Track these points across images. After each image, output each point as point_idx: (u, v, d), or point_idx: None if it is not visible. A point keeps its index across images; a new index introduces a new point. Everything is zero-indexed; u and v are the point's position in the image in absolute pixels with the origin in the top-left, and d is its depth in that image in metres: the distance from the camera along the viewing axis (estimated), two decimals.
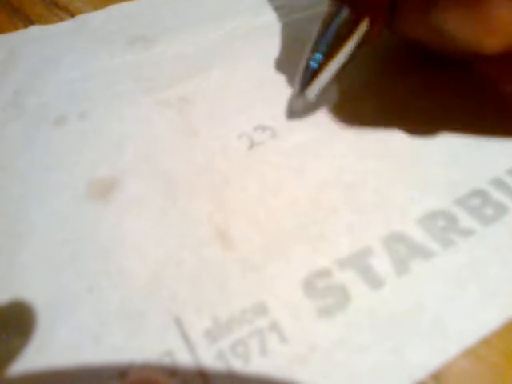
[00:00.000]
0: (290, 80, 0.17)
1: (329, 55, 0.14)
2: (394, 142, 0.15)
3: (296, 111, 0.16)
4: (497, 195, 0.13)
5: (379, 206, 0.13)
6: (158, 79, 0.18)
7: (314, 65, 0.14)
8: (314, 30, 0.15)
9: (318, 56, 0.14)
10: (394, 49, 0.18)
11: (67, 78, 0.18)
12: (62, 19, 0.22)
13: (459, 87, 0.16)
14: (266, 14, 0.21)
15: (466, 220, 0.13)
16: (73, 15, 0.22)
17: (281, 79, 0.18)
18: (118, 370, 0.11)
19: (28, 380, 0.11)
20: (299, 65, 0.15)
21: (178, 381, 0.10)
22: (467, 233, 0.13)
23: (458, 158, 0.14)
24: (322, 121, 0.16)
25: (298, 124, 0.16)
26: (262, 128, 0.16)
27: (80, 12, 0.22)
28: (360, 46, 0.14)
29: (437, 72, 0.17)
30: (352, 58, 0.15)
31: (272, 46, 0.19)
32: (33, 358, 0.11)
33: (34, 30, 0.21)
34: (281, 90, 0.17)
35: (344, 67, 0.15)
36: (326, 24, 0.14)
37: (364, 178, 0.14)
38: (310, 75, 0.15)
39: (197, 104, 0.17)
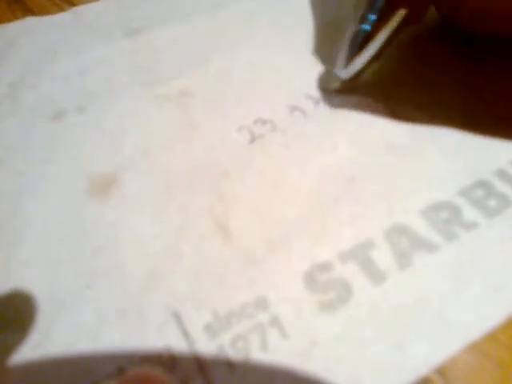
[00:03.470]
0: (289, 70, 0.17)
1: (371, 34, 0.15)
2: (397, 132, 0.15)
3: (331, 87, 0.16)
4: (500, 186, 0.13)
5: (382, 198, 0.13)
6: (157, 72, 0.18)
7: (364, 29, 0.15)
8: (356, 12, 0.15)
9: (363, 30, 0.15)
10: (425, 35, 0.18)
11: (65, 70, 0.18)
12: (62, 9, 0.22)
13: (481, 80, 0.16)
14: None
15: (469, 212, 0.13)
16: (73, 5, 0.22)
17: (280, 69, 0.17)
18: (117, 367, 0.10)
19: (26, 376, 0.11)
20: (341, 43, 0.15)
21: (178, 376, 0.10)
22: (471, 225, 0.12)
23: (462, 149, 0.14)
24: (323, 113, 0.16)
25: (297, 117, 0.16)
26: (262, 121, 0.16)
27: (81, 2, 0.22)
28: (398, 30, 0.15)
29: (469, 60, 0.17)
30: (389, 42, 0.15)
31: (271, 32, 0.19)
32: (31, 353, 0.11)
33: (31, 21, 0.21)
34: (280, 81, 0.17)
35: (382, 50, 0.15)
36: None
37: (366, 169, 0.14)
38: (358, 45, 0.15)
39: (196, 97, 0.17)
